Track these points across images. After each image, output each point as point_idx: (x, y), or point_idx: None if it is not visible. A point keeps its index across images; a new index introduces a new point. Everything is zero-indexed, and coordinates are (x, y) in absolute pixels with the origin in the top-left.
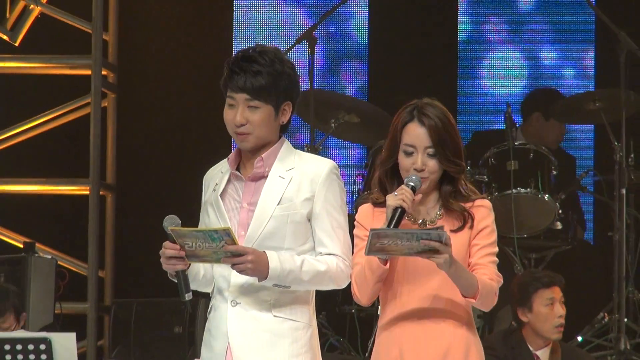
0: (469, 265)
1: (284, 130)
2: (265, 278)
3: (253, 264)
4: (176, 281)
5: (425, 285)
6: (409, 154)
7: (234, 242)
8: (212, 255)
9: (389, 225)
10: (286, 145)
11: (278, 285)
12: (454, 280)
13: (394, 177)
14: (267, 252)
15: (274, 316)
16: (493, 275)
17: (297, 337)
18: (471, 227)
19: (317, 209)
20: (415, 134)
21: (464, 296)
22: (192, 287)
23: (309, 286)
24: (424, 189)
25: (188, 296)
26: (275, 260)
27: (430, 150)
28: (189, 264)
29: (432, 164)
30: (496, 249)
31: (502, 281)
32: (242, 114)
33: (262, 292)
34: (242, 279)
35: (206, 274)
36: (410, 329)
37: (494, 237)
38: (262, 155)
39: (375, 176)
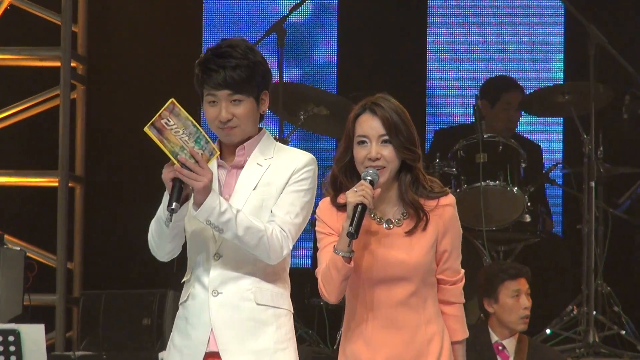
0: (436, 271)
1: (261, 119)
2: (200, 206)
3: (203, 183)
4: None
5: (394, 290)
6: (363, 145)
7: (208, 161)
8: (177, 147)
9: (350, 224)
10: (267, 136)
11: (211, 223)
12: None
13: (353, 175)
14: (214, 190)
15: (257, 304)
16: (458, 286)
17: (281, 323)
18: (425, 228)
19: (285, 190)
20: (368, 124)
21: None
22: (170, 238)
23: (242, 237)
24: (382, 182)
25: (175, 205)
26: (216, 195)
27: (385, 138)
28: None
29: (388, 152)
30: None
31: (463, 276)
32: (227, 110)
33: (243, 281)
34: (223, 269)
35: (180, 232)
36: (380, 336)
37: (461, 238)
38: (244, 145)
39: (327, 175)
